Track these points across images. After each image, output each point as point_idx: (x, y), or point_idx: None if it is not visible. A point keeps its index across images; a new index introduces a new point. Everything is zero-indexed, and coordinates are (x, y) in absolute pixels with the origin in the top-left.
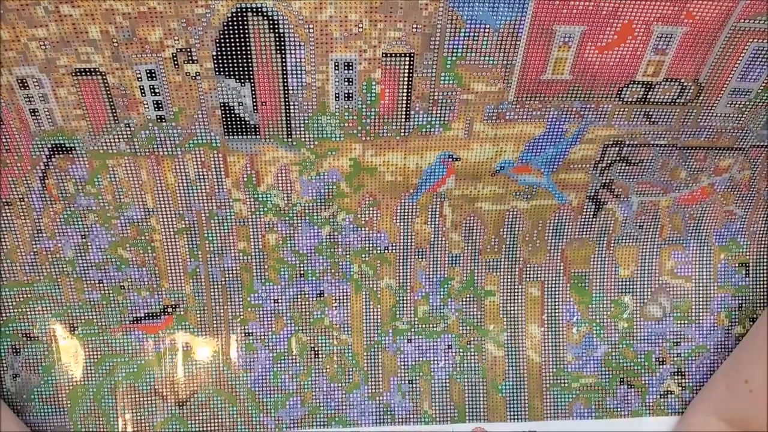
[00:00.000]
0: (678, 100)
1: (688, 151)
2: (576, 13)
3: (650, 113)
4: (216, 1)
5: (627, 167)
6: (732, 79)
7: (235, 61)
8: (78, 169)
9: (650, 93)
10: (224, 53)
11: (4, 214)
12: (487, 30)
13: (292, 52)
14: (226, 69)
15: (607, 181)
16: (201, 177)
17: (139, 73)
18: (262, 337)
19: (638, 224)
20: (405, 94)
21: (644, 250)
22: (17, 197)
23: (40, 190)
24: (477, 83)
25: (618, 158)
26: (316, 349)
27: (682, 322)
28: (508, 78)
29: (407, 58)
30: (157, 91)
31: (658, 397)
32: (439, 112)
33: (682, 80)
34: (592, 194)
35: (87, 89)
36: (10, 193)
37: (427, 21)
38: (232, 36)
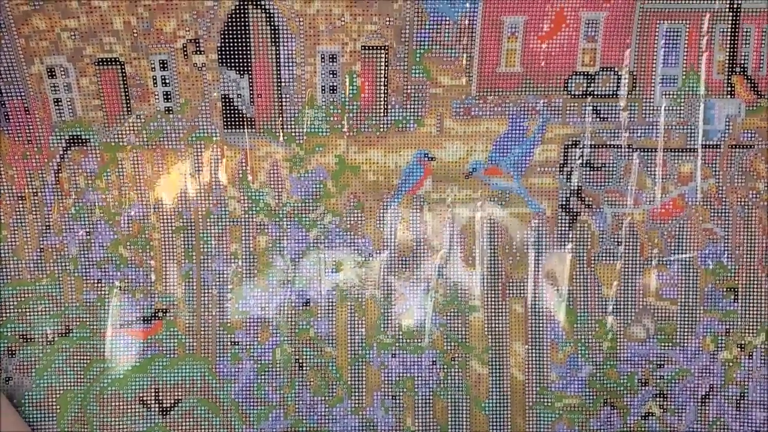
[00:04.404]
0: (618, 92)
1: (646, 153)
2: (518, 3)
3: (597, 108)
4: None
5: (591, 172)
6: (657, 65)
7: (236, 52)
8: (90, 162)
9: (592, 84)
10: (227, 45)
11: (16, 210)
12: (447, 22)
13: (285, 44)
14: (228, 60)
15: (576, 188)
16: (200, 172)
17: (153, 63)
18: (248, 347)
19: (616, 240)
20: (383, 88)
21: (626, 269)
22: (31, 191)
23: (53, 183)
24: (443, 76)
25: (581, 161)
26: (300, 361)
27: (666, 344)
28: (470, 71)
29: (383, 51)
30: (167, 81)
31: (639, 418)
32: (412, 106)
33: (616, 69)
34: (564, 203)
35: (106, 78)
36: (26, 186)
37: (398, 14)
38: (234, 28)
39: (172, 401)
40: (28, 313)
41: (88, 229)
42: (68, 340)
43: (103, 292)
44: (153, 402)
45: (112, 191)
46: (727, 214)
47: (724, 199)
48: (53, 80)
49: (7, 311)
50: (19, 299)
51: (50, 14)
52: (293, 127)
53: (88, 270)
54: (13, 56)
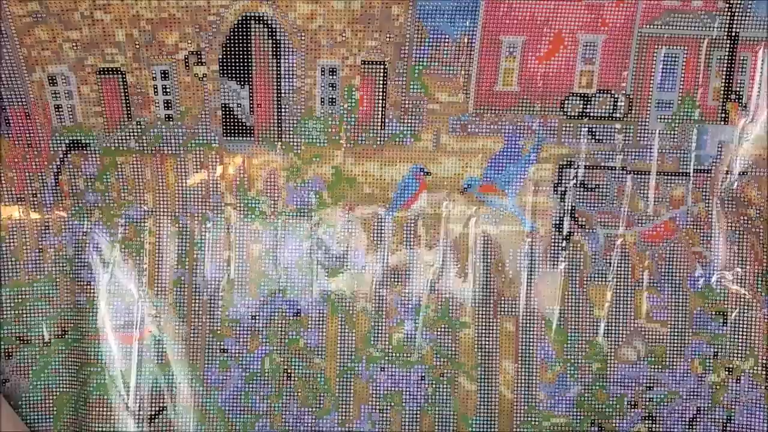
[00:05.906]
0: (614, 115)
1: (639, 176)
2: (517, 24)
3: (593, 130)
4: (225, 10)
5: (585, 192)
6: (653, 89)
7: (237, 64)
8: (90, 166)
9: (588, 106)
10: (229, 57)
11: (15, 211)
12: (447, 40)
13: (286, 57)
14: (230, 72)
15: (569, 208)
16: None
17: (155, 74)
18: (237, 355)
19: (608, 261)
20: (381, 102)
21: (618, 291)
22: (31, 193)
23: (53, 185)
24: (441, 93)
25: (575, 182)
26: (289, 371)
27: (656, 366)
28: (467, 88)
29: (382, 67)
30: (168, 90)
31: None
32: (409, 121)
33: (613, 91)
34: (557, 222)
35: (107, 87)
36: (25, 188)
37: (398, 31)
38: (236, 41)
39: (159, 407)
40: (25, 315)
41: (86, 230)
42: (63, 341)
43: (92, 295)
44: (139, 408)
45: (111, 193)
46: (717, 239)
47: (713, 225)
48: (54, 87)
49: (5, 313)
50: (17, 300)
51: (52, 26)
52: (291, 136)
53: (79, 271)
54: (14, 64)
